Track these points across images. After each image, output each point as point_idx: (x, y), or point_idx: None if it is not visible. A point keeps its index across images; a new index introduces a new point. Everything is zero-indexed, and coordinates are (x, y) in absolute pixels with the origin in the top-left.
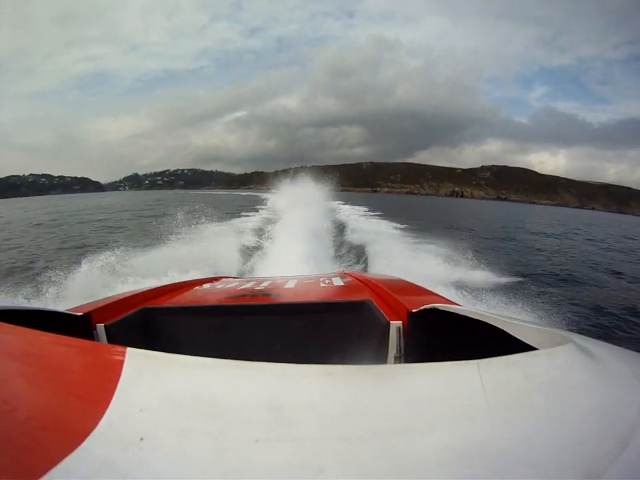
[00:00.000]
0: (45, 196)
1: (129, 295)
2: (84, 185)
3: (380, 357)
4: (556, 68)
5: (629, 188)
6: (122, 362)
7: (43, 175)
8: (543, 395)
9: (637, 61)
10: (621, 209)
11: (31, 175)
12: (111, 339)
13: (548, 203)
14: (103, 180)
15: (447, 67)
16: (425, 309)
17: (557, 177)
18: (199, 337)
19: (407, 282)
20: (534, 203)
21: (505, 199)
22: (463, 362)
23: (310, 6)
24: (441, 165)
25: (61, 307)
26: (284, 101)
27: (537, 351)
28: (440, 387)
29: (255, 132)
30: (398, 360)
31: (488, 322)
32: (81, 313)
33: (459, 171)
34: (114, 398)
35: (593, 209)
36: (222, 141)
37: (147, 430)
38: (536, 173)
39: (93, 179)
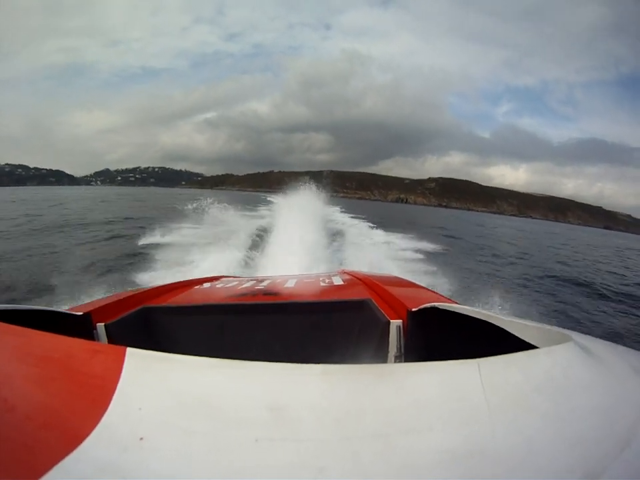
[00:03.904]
0: (24, 187)
1: (129, 294)
2: (59, 178)
3: (380, 355)
4: (521, 87)
5: (571, 200)
6: (122, 362)
7: (20, 166)
8: (542, 394)
9: (599, 85)
10: (558, 218)
11: (7, 164)
12: (111, 339)
13: (484, 211)
14: (76, 173)
15: (415, 82)
16: (424, 308)
17: (499, 189)
18: (199, 336)
19: (407, 280)
20: (471, 210)
21: (446, 206)
22: (463, 361)
23: (290, 16)
24: (403, 175)
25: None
26: (255, 105)
27: (536, 350)
28: (440, 386)
29: (224, 133)
30: (398, 359)
31: (488, 320)
32: (81, 313)
33: (407, 181)
34: (114, 398)
35: (531, 217)
36: (191, 141)
37: (147, 430)
38: (478, 184)
39: (67, 172)
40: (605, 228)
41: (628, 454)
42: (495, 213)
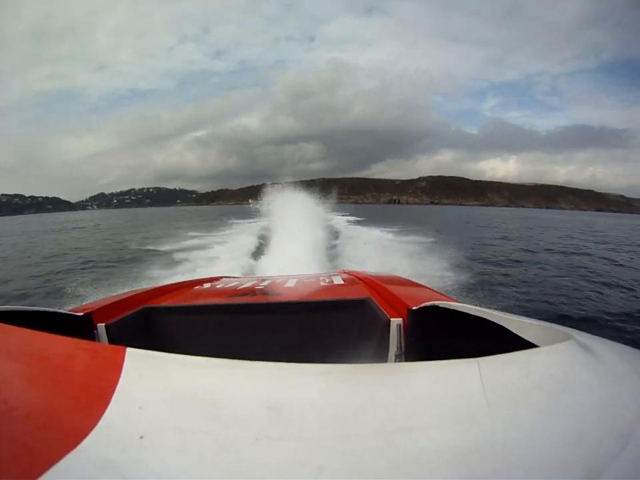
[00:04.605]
0: (21, 215)
1: (130, 294)
2: (55, 204)
3: (380, 354)
4: (506, 82)
5: (561, 186)
6: (122, 362)
7: (16, 195)
8: (543, 393)
9: (582, 74)
10: (549, 205)
11: (3, 195)
12: (112, 339)
13: (475, 204)
14: (72, 199)
15: (401, 87)
16: (425, 307)
17: (490, 182)
18: (200, 336)
19: (407, 279)
20: (463, 205)
21: (438, 203)
22: (463, 360)
23: (274, 30)
24: (396, 177)
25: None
26: (245, 120)
27: (537, 349)
28: (440, 385)
29: (216, 150)
30: (398, 358)
31: (488, 319)
32: (82, 313)
33: (398, 182)
34: (113, 397)
35: (522, 206)
36: (183, 159)
37: (147, 429)
38: (468, 179)
39: (63, 199)
40: (598, 210)
41: (628, 453)
42: (486, 205)
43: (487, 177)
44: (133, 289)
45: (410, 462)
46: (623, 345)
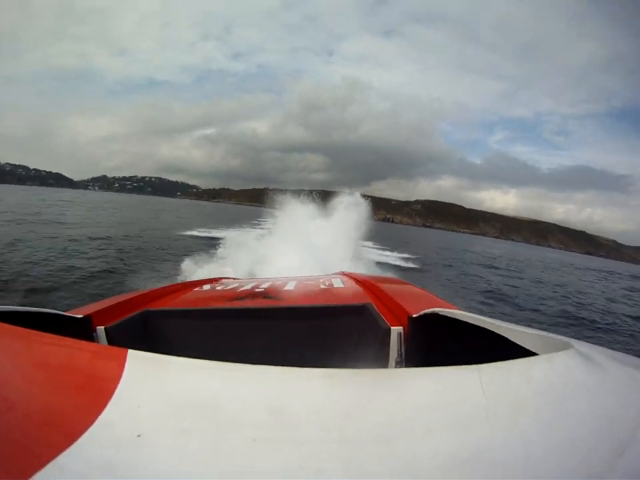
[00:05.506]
0: (25, 186)
1: (129, 297)
2: (58, 180)
3: (381, 361)
4: (515, 118)
5: (554, 224)
6: (123, 364)
7: (20, 166)
8: (542, 400)
9: (590, 117)
10: (539, 242)
11: (7, 163)
12: (111, 342)
13: (466, 232)
14: (74, 177)
15: (411, 110)
16: (425, 314)
17: (483, 211)
18: (199, 340)
19: (407, 284)
20: (454, 231)
21: (430, 227)
22: (464, 367)
23: (294, 40)
24: (395, 197)
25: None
26: (255, 124)
27: (537, 356)
28: (440, 391)
29: (222, 149)
30: (399, 365)
31: (489, 328)
32: (81, 315)
33: (394, 202)
34: (113, 397)
35: (513, 240)
36: (188, 154)
37: (145, 429)
38: (462, 207)
39: (66, 175)
40: (586, 253)
41: (626, 460)
42: (477, 234)
43: (485, 206)
44: (133, 290)
45: (409, 468)
46: (623, 354)
